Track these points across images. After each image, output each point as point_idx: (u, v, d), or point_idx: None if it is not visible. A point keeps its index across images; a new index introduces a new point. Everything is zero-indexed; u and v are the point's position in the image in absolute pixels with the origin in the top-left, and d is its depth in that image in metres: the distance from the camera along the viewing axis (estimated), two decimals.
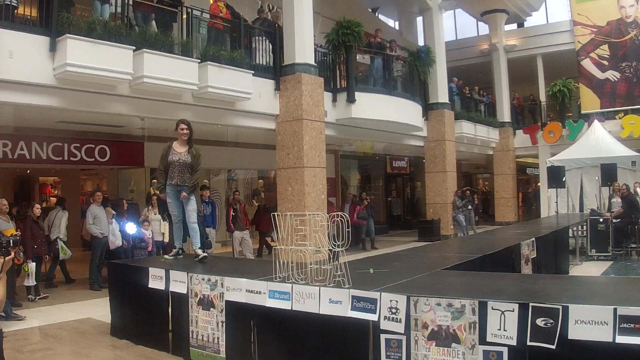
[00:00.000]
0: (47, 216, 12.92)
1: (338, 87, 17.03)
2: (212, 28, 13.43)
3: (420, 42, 26.12)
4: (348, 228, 4.77)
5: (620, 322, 3.77)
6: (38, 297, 10.95)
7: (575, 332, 3.90)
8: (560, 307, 3.98)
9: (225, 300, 5.97)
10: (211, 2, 14.07)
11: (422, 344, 4.46)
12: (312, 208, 14.05)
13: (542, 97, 29.24)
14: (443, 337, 4.37)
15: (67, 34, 9.91)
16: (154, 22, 12.17)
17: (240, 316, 5.89)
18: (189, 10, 12.88)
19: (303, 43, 14.73)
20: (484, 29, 30.82)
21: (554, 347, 3.93)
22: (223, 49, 13.08)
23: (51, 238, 12.33)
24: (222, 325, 6.03)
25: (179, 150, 8.02)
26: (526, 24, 31.58)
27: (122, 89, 11.23)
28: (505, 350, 4.13)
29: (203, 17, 13.40)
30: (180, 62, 11.84)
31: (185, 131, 8.06)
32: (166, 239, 12.99)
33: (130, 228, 12.69)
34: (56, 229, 12.51)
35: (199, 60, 12.32)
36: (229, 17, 13.88)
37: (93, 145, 15.31)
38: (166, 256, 8.44)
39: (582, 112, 27.61)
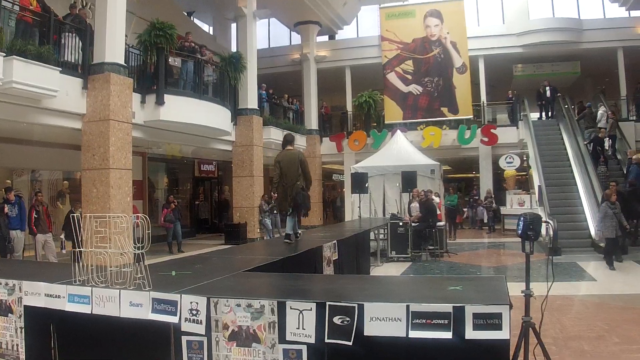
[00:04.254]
0: None
1: (147, 88, 17.20)
2: (20, 21, 13.23)
3: (234, 48, 26.71)
4: (149, 230, 4.87)
5: (412, 318, 3.99)
6: None
7: (371, 329, 4.07)
8: (355, 305, 4.13)
9: (24, 305, 5.63)
10: None
11: (223, 344, 4.53)
12: (118, 210, 14.27)
13: (349, 107, 31.11)
14: (243, 338, 4.46)
15: None
16: None
17: (39, 321, 5.60)
18: None
19: (114, 42, 14.98)
20: (297, 39, 32.31)
21: (350, 343, 4.08)
22: (31, 43, 12.92)
23: None
24: (21, 332, 5.71)
25: None
26: (337, 37, 33.50)
27: None
28: (304, 348, 4.26)
29: (13, 9, 13.14)
30: None
31: None
32: None
33: None
34: None
35: (4, 54, 12.09)
36: (39, 11, 13.73)
37: None
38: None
39: (386, 122, 30.07)
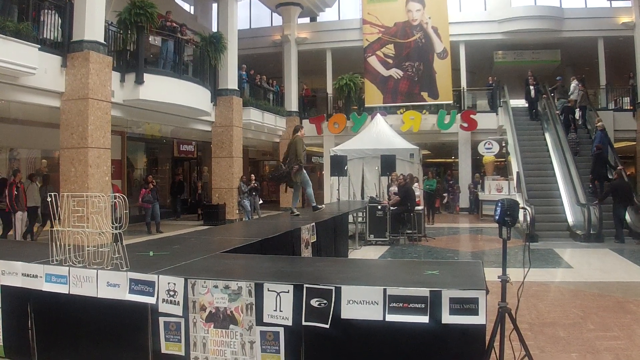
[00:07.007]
0: None
1: (127, 67, 17.06)
2: None
3: (215, 28, 26.53)
4: (126, 209, 4.78)
5: (389, 301, 4.01)
6: None
7: (348, 312, 4.10)
8: (333, 288, 4.15)
9: (1, 285, 5.52)
10: None
11: (201, 325, 4.52)
12: (96, 190, 14.18)
13: (330, 90, 31.08)
14: (221, 319, 4.45)
15: None
16: None
17: (16, 301, 5.49)
18: None
19: (93, 20, 14.80)
20: (278, 20, 32.12)
21: (327, 326, 4.10)
22: (9, 19, 12.78)
23: None
24: None
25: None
26: (319, 19, 33.40)
27: None
28: (281, 330, 4.28)
29: None
30: None
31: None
32: None
33: None
34: None
35: None
36: None
37: None
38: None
39: (366, 105, 30.02)
